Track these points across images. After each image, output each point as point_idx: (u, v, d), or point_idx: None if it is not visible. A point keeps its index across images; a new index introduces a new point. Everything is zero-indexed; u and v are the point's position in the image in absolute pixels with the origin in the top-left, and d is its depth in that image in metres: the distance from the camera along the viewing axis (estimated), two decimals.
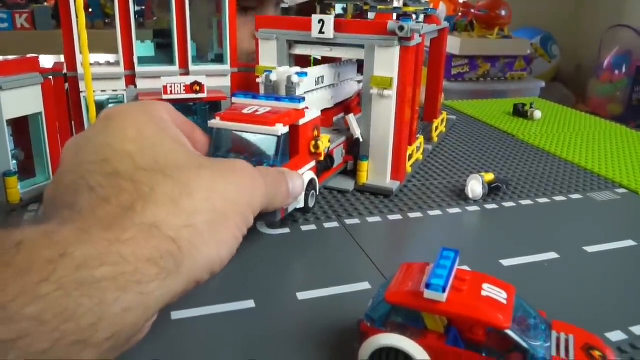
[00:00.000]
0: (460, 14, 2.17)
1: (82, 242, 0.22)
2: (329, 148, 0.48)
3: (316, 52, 0.54)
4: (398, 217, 0.51)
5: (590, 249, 0.46)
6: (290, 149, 0.44)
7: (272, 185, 0.35)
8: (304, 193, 0.44)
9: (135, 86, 0.54)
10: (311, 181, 0.46)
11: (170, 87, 0.51)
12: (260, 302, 0.37)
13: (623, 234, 0.49)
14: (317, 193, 0.49)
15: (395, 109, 0.52)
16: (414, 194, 0.56)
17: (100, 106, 0.51)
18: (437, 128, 0.74)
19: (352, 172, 0.56)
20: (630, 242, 0.47)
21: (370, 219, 0.50)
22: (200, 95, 0.52)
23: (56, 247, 0.21)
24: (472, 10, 2.12)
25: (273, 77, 0.48)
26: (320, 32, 0.52)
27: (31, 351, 0.19)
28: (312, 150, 0.46)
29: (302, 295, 0.38)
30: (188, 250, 0.25)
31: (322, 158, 0.48)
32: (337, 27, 0.52)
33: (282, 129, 0.40)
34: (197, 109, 0.55)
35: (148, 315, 0.24)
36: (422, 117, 0.81)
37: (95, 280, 0.21)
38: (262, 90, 0.49)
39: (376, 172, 0.54)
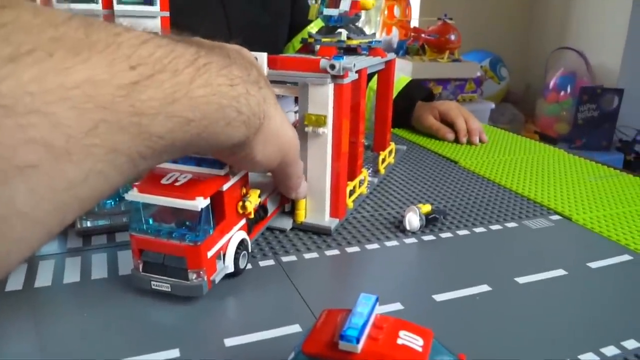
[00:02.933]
0: (411, 38, 2.22)
1: None
2: (259, 203, 0.47)
3: None
4: (336, 252, 0.51)
5: (522, 279, 0.47)
6: (216, 215, 0.41)
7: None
8: (233, 256, 0.43)
9: None
10: (242, 242, 0.44)
11: None
12: (185, 350, 0.36)
13: (554, 263, 0.50)
14: (249, 252, 0.47)
15: (331, 146, 0.52)
16: (353, 228, 0.56)
17: None
18: (384, 160, 0.74)
19: (291, 211, 0.55)
20: (560, 272, 0.48)
21: (308, 256, 0.49)
22: None
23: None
24: (423, 35, 2.18)
25: None
26: None
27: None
28: (240, 211, 0.45)
29: (230, 342, 0.37)
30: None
31: (252, 216, 0.46)
32: (271, 64, 0.52)
33: (202, 203, 0.38)
34: None
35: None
36: (373, 148, 0.82)
37: None
38: None
39: (314, 210, 0.54)
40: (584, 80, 2.52)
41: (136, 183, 0.39)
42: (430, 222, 0.56)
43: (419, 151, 0.88)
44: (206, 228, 0.39)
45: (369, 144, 0.81)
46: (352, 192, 0.60)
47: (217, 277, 0.41)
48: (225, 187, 0.42)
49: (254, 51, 0.52)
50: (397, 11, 2.34)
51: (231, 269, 0.43)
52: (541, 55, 2.78)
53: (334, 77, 0.50)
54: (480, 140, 0.95)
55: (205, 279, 0.40)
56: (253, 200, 0.45)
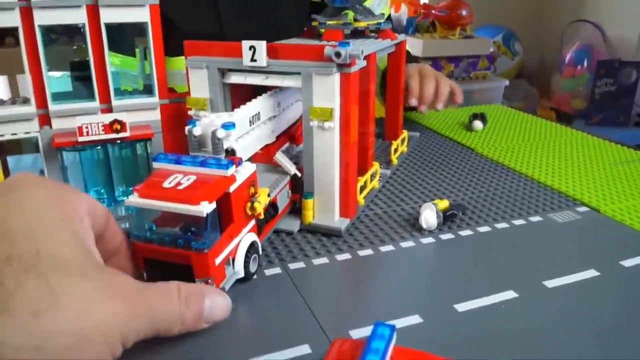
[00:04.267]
0: (421, 15, 2.15)
1: None
2: (269, 201, 0.44)
3: (251, 81, 0.50)
4: (347, 256, 0.47)
5: (550, 283, 0.43)
6: (223, 218, 0.38)
7: (171, 309, 0.30)
8: (243, 261, 0.40)
9: (51, 126, 0.49)
10: (252, 244, 0.41)
11: (86, 127, 0.46)
12: None
13: (584, 263, 0.46)
14: (260, 253, 0.44)
15: (339, 141, 0.48)
16: (365, 227, 0.52)
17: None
18: (396, 150, 0.70)
19: (299, 210, 0.51)
20: (592, 272, 0.44)
21: (317, 261, 0.46)
22: (122, 135, 0.48)
23: None
24: (433, 12, 2.11)
25: (197, 131, 0.41)
26: (252, 59, 0.48)
27: None
28: (249, 212, 0.41)
29: None
30: None
31: (261, 216, 0.43)
32: (271, 53, 0.48)
33: (207, 208, 0.35)
34: (120, 150, 0.50)
35: None
36: (383, 136, 0.77)
37: None
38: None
39: (323, 210, 0.50)
40: (600, 54, 2.43)
41: (137, 187, 0.36)
42: (448, 218, 0.52)
43: (433, 137, 0.84)
44: (213, 234, 0.36)
45: (379, 132, 0.77)
46: (363, 187, 0.56)
47: (227, 284, 0.39)
48: (232, 188, 0.39)
49: (251, 38, 0.47)
50: None
51: (241, 274, 0.41)
52: (556, 29, 2.69)
53: (340, 66, 0.46)
54: (454, 102, 0.85)
55: (214, 287, 0.37)
56: (262, 200, 0.42)
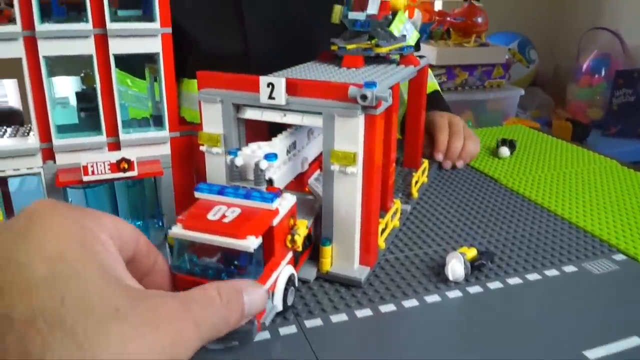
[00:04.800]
0: (436, 22, 2.11)
1: None
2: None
3: (268, 118, 0.46)
4: (367, 312, 0.43)
5: (592, 353, 0.39)
6: (265, 252, 0.37)
7: (216, 316, 0.28)
8: (282, 295, 0.40)
9: (55, 161, 0.46)
10: (290, 277, 0.41)
11: (92, 166, 0.43)
12: None
13: (627, 328, 0.42)
14: (296, 285, 0.43)
15: (361, 186, 0.45)
16: (386, 275, 0.48)
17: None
18: (417, 182, 0.66)
19: (316, 253, 0.48)
20: (636, 341, 0.41)
21: (335, 318, 0.42)
22: (129, 174, 0.45)
23: None
24: (448, 19, 2.06)
25: (239, 161, 0.42)
26: (270, 97, 0.44)
27: None
28: (289, 245, 0.41)
29: None
30: None
31: (300, 249, 0.42)
32: (291, 90, 0.44)
33: (254, 243, 0.34)
34: (127, 188, 0.47)
35: None
36: (402, 163, 0.74)
37: None
38: (226, 176, 0.43)
39: (341, 257, 0.47)
40: (618, 63, 2.37)
41: (180, 217, 0.35)
42: (476, 268, 0.49)
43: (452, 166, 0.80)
44: (258, 268, 0.35)
45: (398, 158, 0.73)
46: (383, 229, 0.52)
47: (267, 319, 0.38)
48: (275, 221, 0.38)
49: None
50: None
51: (280, 308, 0.40)
52: (573, 36, 2.63)
53: (365, 107, 0.43)
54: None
55: (256, 323, 0.35)
56: (302, 232, 0.41)
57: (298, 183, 0.51)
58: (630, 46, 2.43)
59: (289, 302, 0.41)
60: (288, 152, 0.48)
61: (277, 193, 0.38)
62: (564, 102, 2.56)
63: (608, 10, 2.53)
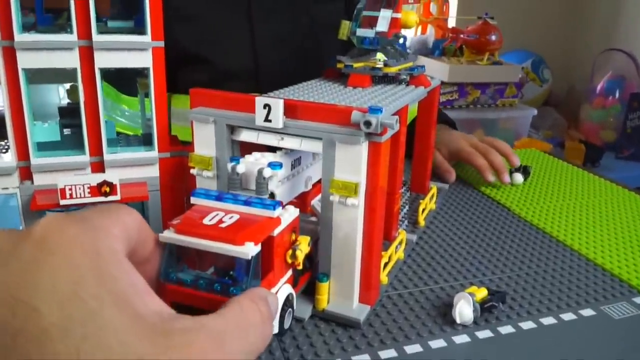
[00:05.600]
0: (449, 39, 2.08)
1: None
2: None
3: (264, 141, 0.43)
4: (366, 358, 0.39)
5: None
6: (262, 264, 0.34)
7: (256, 338, 0.26)
8: (278, 315, 0.37)
9: (32, 182, 0.42)
10: (287, 297, 0.38)
11: (70, 189, 0.40)
12: None
13: None
14: (295, 308, 0.40)
15: (363, 218, 0.41)
16: (387, 315, 0.45)
17: None
18: (424, 210, 0.62)
19: (312, 288, 0.44)
20: None
21: None
22: (112, 199, 0.41)
23: None
24: (462, 36, 2.03)
25: (241, 169, 0.40)
26: (267, 119, 0.41)
27: None
28: (289, 260, 0.38)
29: None
30: None
31: (300, 267, 0.39)
32: (289, 112, 0.41)
33: (253, 250, 0.31)
34: None
35: None
36: (409, 187, 0.70)
37: None
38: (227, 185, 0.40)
39: (339, 294, 0.43)
40: (633, 85, 2.33)
41: (172, 222, 0.32)
42: (486, 310, 0.44)
43: (464, 191, 0.76)
44: (254, 280, 0.32)
45: (405, 182, 0.69)
46: (386, 262, 0.48)
47: None
48: (277, 231, 0.35)
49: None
50: (433, 8, 2.19)
51: (276, 330, 0.37)
52: (587, 57, 2.59)
53: (370, 134, 0.39)
54: (512, 166, 0.79)
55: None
56: (304, 248, 0.39)
57: (301, 203, 0.48)
58: None
59: (286, 326, 0.39)
60: (292, 167, 0.45)
61: (279, 202, 0.36)
62: (577, 123, 2.51)
63: (623, 31, 2.50)
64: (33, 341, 0.20)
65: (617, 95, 2.35)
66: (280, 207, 0.36)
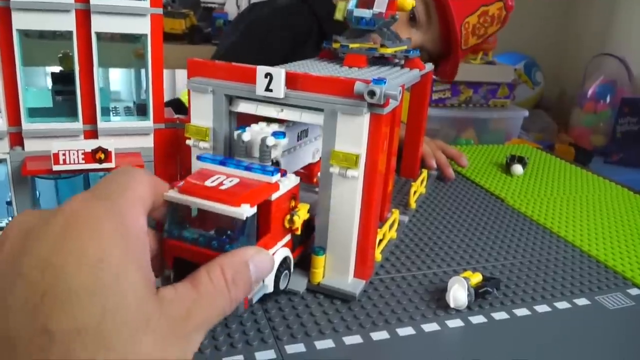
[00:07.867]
0: None
1: None
2: (308, 219, 0.41)
3: (263, 112, 0.42)
4: (357, 339, 0.39)
5: None
6: (260, 227, 0.36)
7: (222, 304, 0.27)
8: (274, 275, 0.38)
9: (23, 147, 0.41)
10: (285, 259, 0.39)
11: (64, 155, 0.39)
12: None
13: None
14: (292, 270, 0.41)
15: (362, 191, 0.41)
16: (380, 297, 0.44)
17: None
18: (415, 192, 0.62)
19: (307, 261, 0.43)
20: None
21: (320, 344, 0.38)
22: (106, 166, 0.40)
23: None
24: None
25: (246, 137, 0.40)
26: (268, 89, 0.40)
27: None
28: (287, 225, 0.39)
29: None
30: None
31: (298, 232, 0.40)
32: (291, 83, 0.40)
33: (248, 211, 0.32)
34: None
35: None
36: (399, 172, 0.69)
37: None
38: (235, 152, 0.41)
39: (335, 268, 0.42)
40: (624, 90, 2.35)
41: (177, 183, 0.33)
42: (480, 295, 0.44)
43: (455, 179, 0.76)
44: (250, 239, 0.33)
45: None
46: (380, 239, 0.48)
47: (255, 296, 0.36)
48: (275, 196, 0.36)
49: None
50: None
51: (271, 289, 0.38)
52: (579, 61, 2.61)
53: (372, 105, 0.38)
54: (460, 166, 0.80)
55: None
56: (302, 214, 0.39)
57: (307, 175, 0.50)
58: (636, 74, 2.41)
59: (282, 287, 0.39)
60: (299, 138, 0.46)
61: (278, 169, 0.37)
62: (567, 126, 2.53)
63: (615, 37, 2.52)
64: (61, 302, 0.21)
65: (608, 100, 2.36)
66: (279, 174, 0.36)
